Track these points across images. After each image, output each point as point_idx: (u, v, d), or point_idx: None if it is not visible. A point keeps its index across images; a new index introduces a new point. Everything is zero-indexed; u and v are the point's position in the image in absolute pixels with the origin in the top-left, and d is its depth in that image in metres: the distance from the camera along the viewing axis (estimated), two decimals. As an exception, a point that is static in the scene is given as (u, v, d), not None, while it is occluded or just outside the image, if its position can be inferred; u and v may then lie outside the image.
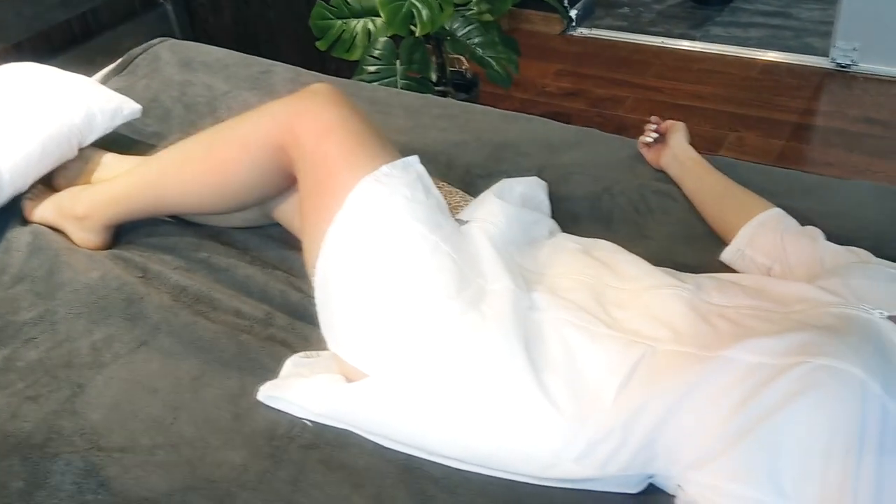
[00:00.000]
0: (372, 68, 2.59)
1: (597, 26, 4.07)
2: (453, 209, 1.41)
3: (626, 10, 4.22)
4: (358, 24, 2.63)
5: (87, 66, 2.11)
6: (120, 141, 1.82)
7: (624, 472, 1.05)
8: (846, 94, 3.40)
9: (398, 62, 2.58)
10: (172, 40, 2.29)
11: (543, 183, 1.50)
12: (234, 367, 1.29)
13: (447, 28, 2.65)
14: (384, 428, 1.14)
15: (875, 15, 3.36)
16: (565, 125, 1.91)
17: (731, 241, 1.42)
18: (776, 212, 1.42)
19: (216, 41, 2.49)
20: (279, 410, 1.20)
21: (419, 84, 2.58)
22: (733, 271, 1.40)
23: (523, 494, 1.08)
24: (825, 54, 3.59)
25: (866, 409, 0.92)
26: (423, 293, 1.15)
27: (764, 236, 1.38)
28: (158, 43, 2.25)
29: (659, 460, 1.04)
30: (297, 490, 1.10)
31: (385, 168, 1.23)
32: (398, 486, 1.10)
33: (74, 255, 1.50)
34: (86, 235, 1.52)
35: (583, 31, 4.05)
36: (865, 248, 1.32)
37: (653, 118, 1.73)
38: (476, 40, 2.64)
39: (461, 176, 1.71)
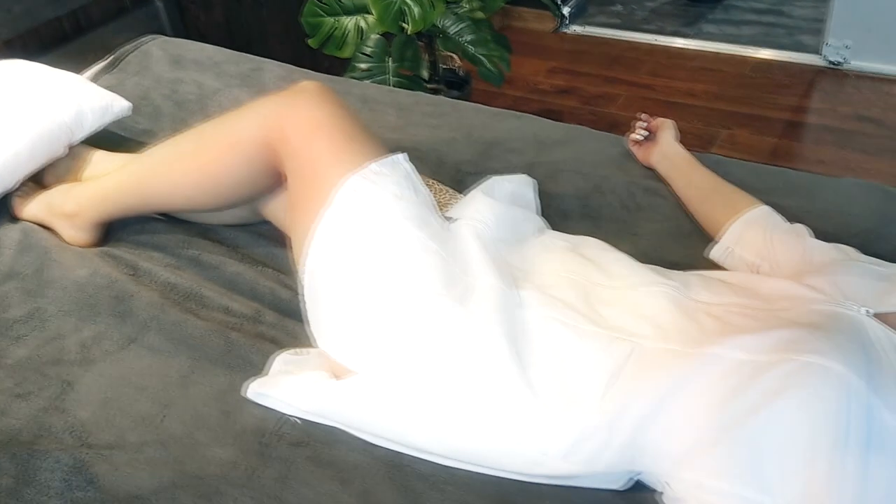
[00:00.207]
0: (363, 66, 2.59)
1: (590, 24, 4.08)
2: (442, 207, 1.41)
3: (618, 7, 4.22)
4: (349, 22, 2.63)
5: (77, 63, 2.11)
6: (110, 138, 1.82)
7: (611, 469, 1.06)
8: (838, 91, 3.41)
9: (390, 60, 2.58)
10: (163, 37, 2.29)
11: (532, 180, 1.50)
12: (222, 365, 1.29)
13: (439, 25, 2.65)
14: (372, 425, 1.14)
15: (867, 13, 3.37)
16: (555, 122, 1.91)
17: (719, 238, 1.43)
18: (764, 209, 1.42)
19: (207, 38, 2.49)
20: (267, 408, 1.20)
21: (411, 82, 2.58)
22: (721, 269, 1.40)
23: (511, 491, 1.09)
24: (817, 52, 3.60)
25: (850, 406, 0.92)
26: (411, 290, 1.15)
27: (751, 234, 1.38)
28: (149, 40, 2.25)
29: (645, 457, 1.04)
30: (286, 487, 1.10)
31: (373, 165, 1.23)
32: (386, 483, 1.10)
33: (64, 252, 1.50)
34: (75, 233, 1.52)
35: (576, 29, 4.05)
36: (853, 246, 1.33)
37: (642, 116, 1.74)
38: (468, 38, 2.65)
39: (451, 173, 1.71)
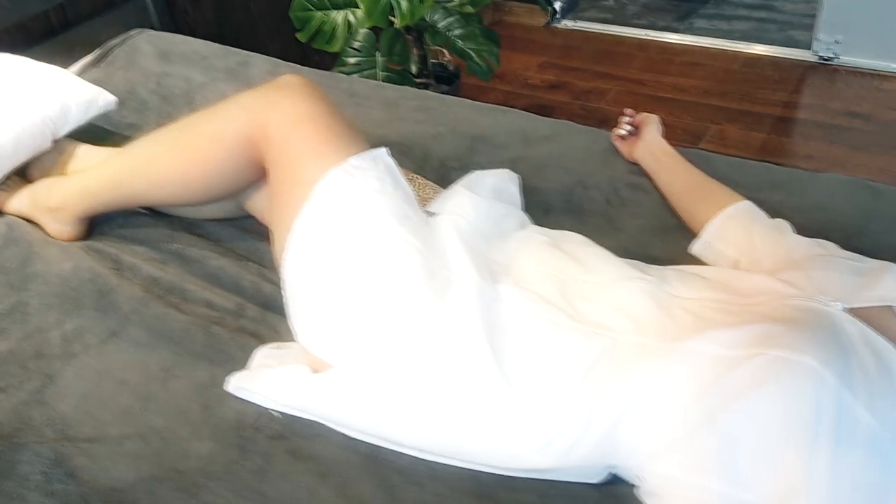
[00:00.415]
0: (352, 60, 2.60)
1: (581, 18, 4.08)
2: (425, 202, 1.41)
3: (610, 2, 4.22)
4: (338, 16, 2.63)
5: (64, 57, 2.10)
6: (96, 132, 1.82)
7: (586, 463, 1.06)
8: (828, 87, 3.42)
9: (378, 54, 2.58)
10: (151, 31, 2.28)
11: (515, 175, 1.51)
12: (204, 359, 1.29)
13: (427, 20, 2.65)
14: (350, 419, 1.14)
15: (857, 8, 3.38)
16: (541, 117, 1.92)
17: (700, 233, 1.43)
18: (746, 205, 1.43)
19: (196, 33, 2.49)
20: (248, 401, 1.21)
21: (400, 76, 2.58)
22: (703, 264, 1.40)
23: (488, 484, 1.10)
24: (808, 47, 3.60)
25: (821, 401, 0.93)
26: (389, 285, 1.16)
27: (733, 229, 1.39)
28: (137, 34, 2.25)
29: (620, 451, 1.05)
30: (264, 480, 1.10)
31: (354, 160, 1.23)
32: (363, 476, 1.11)
33: (48, 246, 1.50)
34: (60, 227, 1.52)
35: (567, 24, 4.05)
36: (834, 241, 1.33)
37: (627, 111, 1.74)
38: (457, 32, 2.65)
39: (436, 168, 1.71)
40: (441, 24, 2.66)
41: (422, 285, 1.15)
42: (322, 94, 1.33)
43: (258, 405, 1.20)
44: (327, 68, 2.54)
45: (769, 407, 0.95)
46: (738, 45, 3.74)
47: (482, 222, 1.31)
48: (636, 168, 1.68)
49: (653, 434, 1.02)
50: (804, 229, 1.39)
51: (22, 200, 1.56)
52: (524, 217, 1.43)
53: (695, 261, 1.42)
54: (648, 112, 1.73)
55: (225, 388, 1.23)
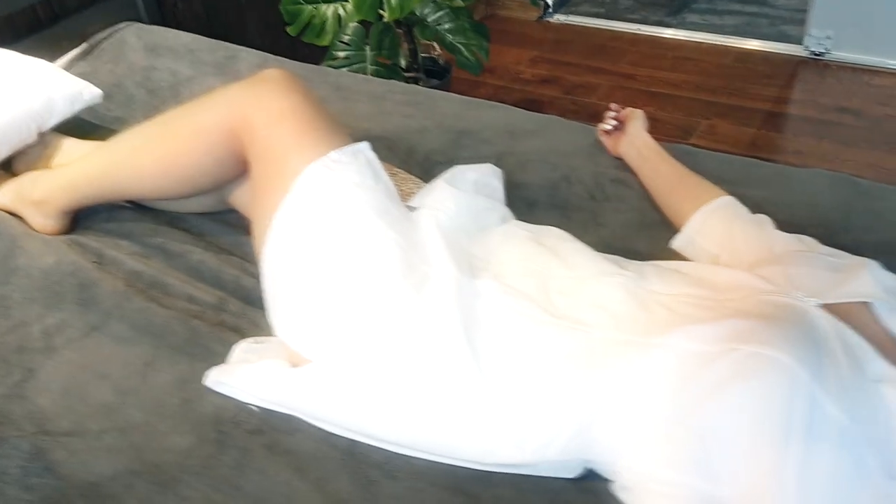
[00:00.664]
0: (342, 54, 2.59)
1: (574, 13, 4.08)
2: (407, 196, 1.41)
3: (603, -4, 4.23)
4: (328, 10, 2.63)
5: (51, 50, 2.10)
6: (82, 126, 1.82)
7: (562, 458, 1.07)
8: (819, 82, 3.42)
9: (368, 48, 2.58)
10: (139, 25, 2.28)
11: (498, 170, 1.51)
12: (184, 353, 1.29)
13: (417, 14, 2.65)
14: (327, 413, 1.15)
15: (849, 3, 3.38)
16: (528, 112, 1.92)
17: (682, 228, 1.43)
18: (727, 200, 1.43)
19: (185, 26, 2.48)
20: (227, 396, 1.21)
21: (389, 70, 2.57)
22: (684, 259, 1.41)
23: (464, 479, 1.10)
24: (799, 42, 3.60)
25: (794, 397, 0.93)
26: (367, 279, 1.16)
27: (714, 224, 1.39)
28: (124, 27, 2.24)
29: (595, 446, 1.05)
30: (241, 475, 1.10)
31: (334, 154, 1.23)
32: (341, 470, 1.11)
33: (31, 240, 1.49)
34: (44, 221, 1.52)
35: (559, 18, 4.05)
36: (816, 236, 1.34)
37: (612, 106, 1.74)
38: (446, 26, 2.64)
39: (421, 162, 1.71)
40: (431, 19, 2.65)
41: (400, 279, 1.15)
42: (304, 89, 1.33)
43: (237, 400, 1.20)
44: (317, 62, 2.54)
45: (742, 402, 0.95)
46: (730, 40, 3.74)
47: (463, 217, 1.31)
48: (621, 163, 1.68)
49: (627, 429, 1.02)
50: (786, 225, 1.39)
51: (6, 194, 1.56)
52: (506, 212, 1.43)
53: (677, 256, 1.42)
54: (640, 107, 1.73)
55: (204, 382, 1.23)
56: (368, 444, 1.14)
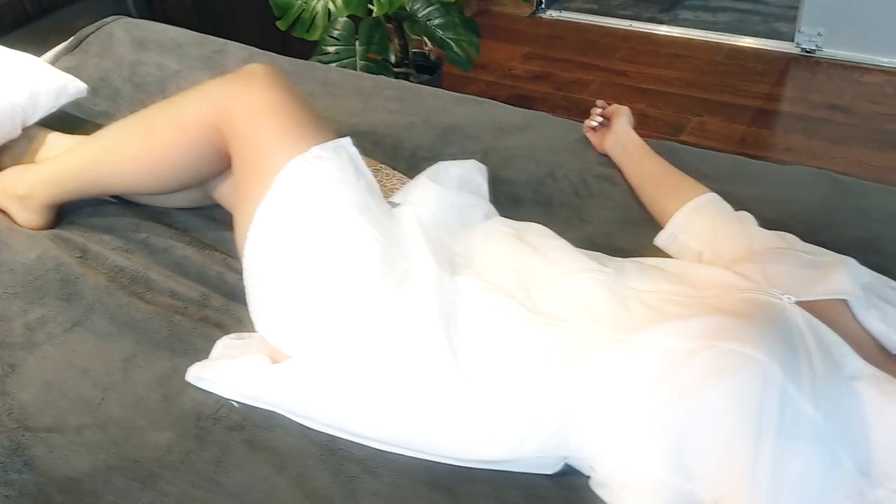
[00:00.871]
0: (331, 49, 2.59)
1: (566, 9, 4.07)
2: (391, 192, 1.41)
3: (595, -8, 4.22)
4: (318, 4, 2.62)
5: (39, 44, 2.09)
6: (68, 120, 1.81)
7: (540, 454, 1.07)
8: (810, 79, 3.42)
9: (358, 43, 2.57)
10: (127, 19, 2.27)
11: (482, 166, 1.51)
12: (165, 349, 1.29)
13: (407, 9, 2.64)
14: (307, 409, 1.15)
15: (840, 1, 3.38)
16: (515, 108, 1.92)
17: (664, 225, 1.43)
18: (711, 197, 1.43)
19: (174, 21, 2.47)
20: (208, 392, 1.21)
21: (378, 66, 2.57)
22: (667, 256, 1.41)
23: (443, 475, 1.10)
24: (791, 39, 3.61)
25: (766, 393, 0.93)
26: (346, 275, 1.16)
27: (696, 221, 1.39)
28: (112, 21, 2.24)
29: (573, 442, 1.05)
30: (220, 470, 1.10)
31: (315, 149, 1.23)
32: (320, 466, 1.11)
33: (14, 235, 1.49)
34: (28, 215, 1.51)
35: (552, 14, 4.05)
36: (798, 233, 1.34)
37: (599, 102, 1.75)
38: (436, 22, 2.64)
39: (407, 158, 1.71)
40: (421, 14, 2.65)
41: (380, 276, 1.15)
42: (287, 84, 1.33)
43: (218, 395, 1.20)
44: (308, 57, 2.54)
45: (717, 399, 0.96)
46: (722, 37, 3.74)
47: (445, 213, 1.31)
48: (606, 160, 1.68)
49: (604, 426, 1.03)
50: (769, 222, 1.39)
51: (-10, 188, 1.56)
52: (490, 208, 1.43)
53: (660, 252, 1.43)
54: (631, 104, 1.73)
55: (185, 378, 1.23)
56: (349, 440, 1.14)
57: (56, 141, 1.67)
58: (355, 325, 1.13)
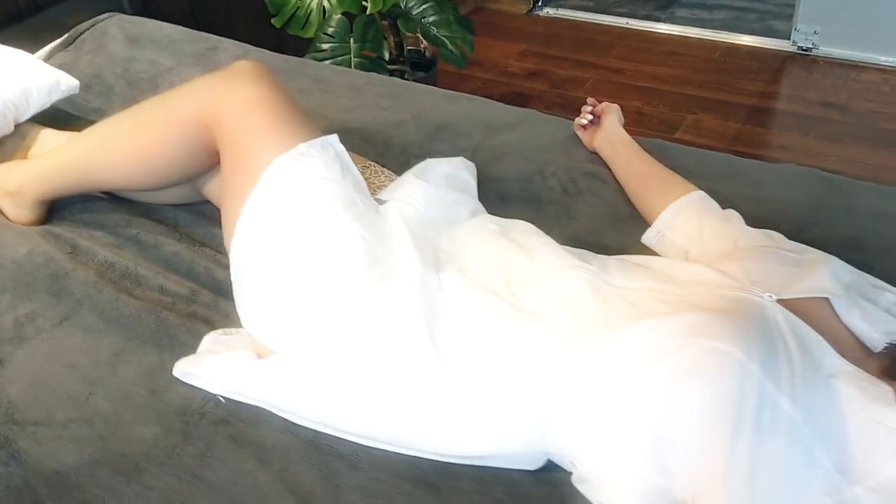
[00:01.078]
0: (326, 46, 2.60)
1: (563, 6, 4.08)
2: (378, 189, 1.42)
3: (592, -11, 4.23)
4: (313, 2, 2.62)
5: (33, 41, 2.10)
6: (61, 117, 1.82)
7: (521, 450, 1.07)
8: (806, 77, 3.42)
9: (352, 40, 2.58)
10: (121, 16, 2.28)
11: (470, 164, 1.51)
12: (153, 344, 1.29)
13: (402, 6, 2.65)
14: (291, 405, 1.15)
15: (836, -1, 3.39)
16: (506, 106, 1.92)
17: (653, 223, 1.44)
18: (698, 195, 1.44)
19: (169, 18, 2.47)
20: (195, 387, 1.22)
21: (373, 63, 2.58)
22: (654, 253, 1.42)
23: (426, 470, 1.11)
24: (787, 37, 3.61)
25: (745, 391, 0.94)
26: (331, 271, 1.16)
27: (683, 219, 1.40)
28: (107, 18, 2.24)
29: (554, 438, 1.06)
30: (204, 465, 1.11)
31: (302, 146, 1.24)
32: (304, 461, 1.12)
33: (5, 230, 1.50)
34: (18, 211, 1.52)
35: (548, 11, 4.05)
36: (785, 232, 1.35)
37: (589, 100, 1.75)
38: (431, 19, 2.64)
39: (397, 155, 1.72)
40: (415, 11, 2.65)
41: (364, 272, 1.16)
42: (275, 81, 1.33)
43: (204, 391, 1.21)
44: (303, 54, 2.54)
45: (695, 396, 0.96)
46: (719, 35, 3.75)
47: (432, 210, 1.31)
48: (595, 157, 1.69)
49: (584, 421, 1.03)
50: (757, 219, 1.40)
51: (-19, 185, 1.56)
52: (477, 205, 1.43)
53: (647, 250, 1.43)
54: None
55: (172, 373, 1.24)
56: (333, 436, 1.14)
57: (48, 137, 1.68)
58: (339, 320, 1.14)
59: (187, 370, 1.22)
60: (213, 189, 1.49)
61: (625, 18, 3.92)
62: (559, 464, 1.10)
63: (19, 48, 1.83)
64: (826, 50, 3.51)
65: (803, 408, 0.95)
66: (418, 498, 1.08)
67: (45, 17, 2.23)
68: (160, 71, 2.02)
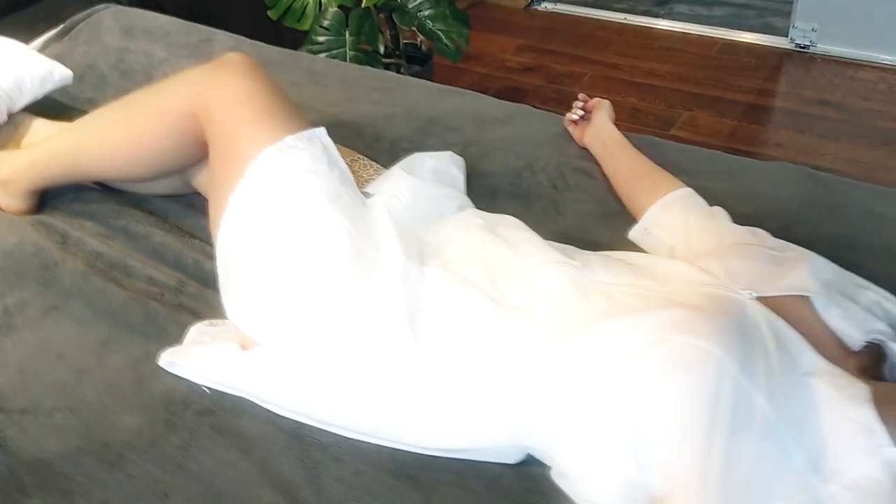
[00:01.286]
0: (322, 39, 2.59)
1: (562, 1, 4.07)
2: (366, 182, 1.42)
3: (592, -16, 4.21)
4: (309, -6, 2.62)
5: (28, 31, 2.10)
6: (54, 107, 1.83)
7: (500, 444, 1.08)
8: (803, 74, 3.42)
9: (347, 33, 2.58)
10: (117, 7, 2.28)
11: (459, 158, 1.52)
12: (140, 334, 1.31)
13: (397, 0, 2.65)
14: (274, 396, 1.16)
15: (834, -4, 3.39)
16: (499, 101, 1.93)
17: (640, 219, 1.45)
18: (685, 191, 1.44)
19: (166, 9, 2.47)
20: (179, 377, 1.22)
21: (367, 56, 2.58)
22: (641, 250, 1.42)
23: (407, 462, 1.11)
24: (785, 34, 3.60)
25: (720, 387, 0.95)
26: (315, 264, 1.17)
27: (670, 215, 1.41)
28: (102, 9, 2.25)
29: (533, 432, 1.07)
30: (187, 454, 1.12)
31: (289, 139, 1.24)
32: (286, 452, 1.13)
33: (-4, 220, 1.51)
34: (10, 200, 1.53)
35: (547, 6, 4.04)
36: (772, 229, 1.35)
37: (580, 95, 1.75)
38: (426, 13, 2.64)
39: (388, 149, 1.72)
40: (411, 5, 2.65)
41: (348, 265, 1.17)
42: (263, 73, 1.34)
43: (189, 381, 1.22)
44: (300, 47, 2.54)
45: (672, 392, 0.97)
46: (717, 31, 3.74)
47: (418, 204, 1.32)
48: (585, 153, 1.69)
49: (562, 416, 1.04)
50: (745, 217, 1.40)
51: (-26, 173, 1.57)
52: (465, 200, 1.44)
53: (634, 246, 1.44)
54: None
55: (158, 363, 1.24)
56: (315, 427, 1.15)
57: (41, 127, 1.69)
58: (322, 312, 1.15)
59: (173, 360, 1.23)
60: (202, 181, 1.50)
61: (623, 14, 3.92)
62: (539, 458, 1.10)
63: (15, 38, 1.84)
64: (824, 47, 3.51)
65: (779, 405, 0.95)
66: (399, 490, 1.08)
67: (42, 8, 2.24)
68: (154, 62, 2.03)
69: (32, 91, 1.73)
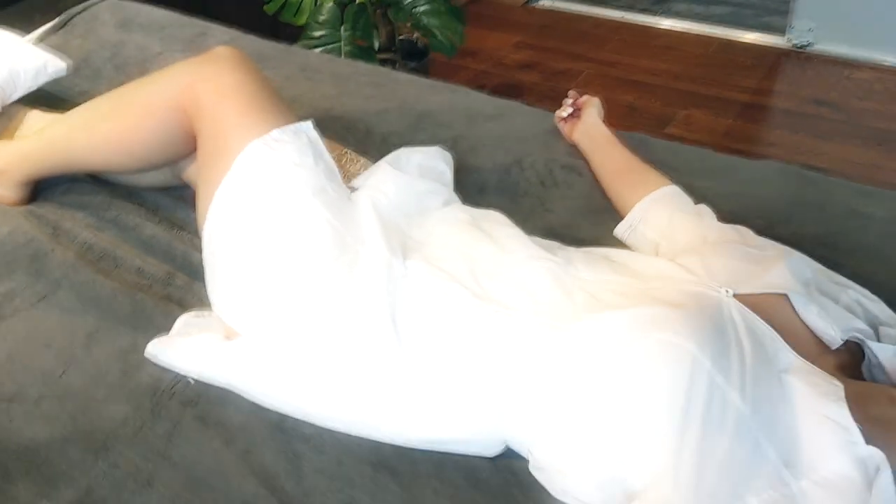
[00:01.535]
0: (317, 34, 2.61)
1: (560, -2, 4.08)
2: (353, 176, 1.43)
3: (591, -18, 4.22)
4: (305, -11, 2.64)
5: (24, 24, 2.11)
6: (49, 99, 1.84)
7: (478, 437, 1.09)
8: (800, 74, 3.43)
9: (343, 28, 2.59)
10: (113, 0, 2.29)
11: (446, 153, 1.52)
12: (128, 325, 1.32)
13: (395, -4, 2.66)
14: (256, 387, 1.17)
15: (832, -4, 3.40)
16: (489, 97, 1.94)
17: (626, 216, 1.46)
18: (671, 189, 1.45)
19: (163, 2, 2.48)
20: (165, 367, 1.24)
21: (363, 52, 2.59)
22: (625, 247, 1.43)
23: (387, 455, 1.12)
24: (783, 34, 3.61)
25: (695, 384, 0.96)
26: (298, 256, 1.18)
27: (655, 213, 1.42)
28: (99, 2, 2.26)
29: (511, 426, 1.08)
30: (170, 444, 1.13)
31: (275, 132, 1.25)
32: (268, 443, 1.14)
33: (-12, 210, 1.52)
34: (3, 191, 1.54)
35: (545, 3, 4.05)
36: (757, 227, 1.35)
37: (570, 92, 1.76)
38: (422, 8, 2.65)
39: (378, 144, 1.73)
40: (407, 1, 2.66)
41: (332, 259, 1.18)
42: (253, 67, 1.35)
43: (174, 371, 1.23)
44: (296, 41, 2.55)
45: (648, 388, 0.98)
46: (714, 30, 3.75)
47: (403, 199, 1.33)
48: (574, 150, 1.70)
49: (540, 411, 1.05)
50: (730, 215, 1.41)
51: (-32, 165, 1.58)
52: (451, 195, 1.44)
53: (620, 243, 1.45)
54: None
55: (144, 353, 1.26)
56: (297, 419, 1.16)
57: (36, 119, 1.70)
58: (306, 305, 1.16)
59: (158, 351, 1.24)
60: (192, 173, 1.51)
61: (621, 12, 3.93)
62: (517, 451, 1.11)
63: (12, 30, 1.85)
64: (821, 47, 3.51)
65: (753, 402, 0.96)
66: (379, 481, 1.10)
67: (38, 0, 2.24)
68: (149, 56, 2.04)
69: (26, 83, 1.74)
